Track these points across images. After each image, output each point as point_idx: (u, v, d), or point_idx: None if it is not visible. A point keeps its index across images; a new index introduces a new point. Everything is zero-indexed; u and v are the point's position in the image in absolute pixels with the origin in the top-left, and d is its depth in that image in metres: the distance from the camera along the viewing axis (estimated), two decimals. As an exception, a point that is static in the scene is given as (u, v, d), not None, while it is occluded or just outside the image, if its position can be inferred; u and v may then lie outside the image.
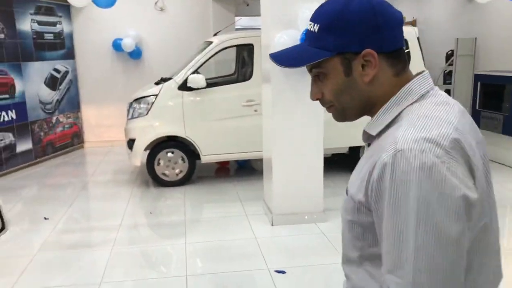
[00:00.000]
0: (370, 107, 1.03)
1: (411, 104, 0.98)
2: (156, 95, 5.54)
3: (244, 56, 6.22)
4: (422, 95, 0.99)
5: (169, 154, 5.60)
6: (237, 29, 8.20)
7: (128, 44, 7.69)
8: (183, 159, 5.63)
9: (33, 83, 6.92)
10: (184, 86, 5.49)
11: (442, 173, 0.84)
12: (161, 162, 5.60)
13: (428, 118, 0.92)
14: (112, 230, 4.34)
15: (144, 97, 5.61)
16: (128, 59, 8.03)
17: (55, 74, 7.45)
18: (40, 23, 7.14)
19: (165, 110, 5.53)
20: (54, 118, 7.43)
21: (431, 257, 0.83)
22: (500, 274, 1.06)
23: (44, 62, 7.19)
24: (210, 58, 5.63)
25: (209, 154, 5.62)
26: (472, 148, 0.91)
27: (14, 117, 6.54)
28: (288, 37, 3.99)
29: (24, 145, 6.72)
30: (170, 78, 5.66)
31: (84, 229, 4.52)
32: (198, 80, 5.43)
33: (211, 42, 5.76)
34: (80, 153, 7.87)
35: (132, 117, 5.65)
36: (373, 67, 0.98)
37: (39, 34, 7.11)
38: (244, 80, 5.83)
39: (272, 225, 4.33)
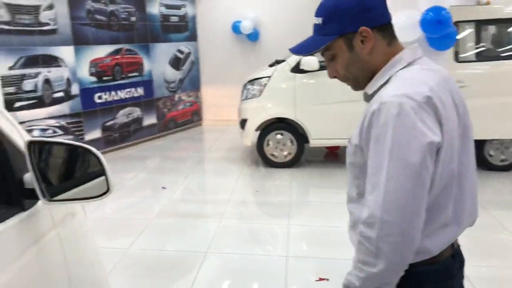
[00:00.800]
0: (373, 73, 1.28)
1: (400, 69, 1.24)
2: (269, 77, 5.64)
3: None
4: (409, 63, 1.25)
5: (278, 136, 5.70)
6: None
7: (246, 26, 7.90)
8: (291, 142, 5.69)
9: (159, 63, 7.48)
10: (297, 69, 5.51)
11: (413, 120, 1.10)
12: (270, 143, 5.72)
13: (409, 79, 1.19)
14: (222, 204, 4.57)
15: (257, 78, 5.75)
16: (246, 41, 8.27)
17: (178, 55, 7.96)
18: (167, 6, 7.65)
19: (277, 92, 5.61)
20: (177, 96, 7.98)
21: (398, 182, 1.09)
22: (476, 213, 1.35)
23: (169, 44, 7.71)
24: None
25: (318, 138, 5.60)
26: (444, 105, 1.17)
27: (142, 93, 7.15)
28: (407, 18, 3.79)
29: (149, 120, 7.34)
30: (284, 60, 5.72)
31: (196, 200, 4.83)
32: (311, 62, 5.41)
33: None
34: (199, 130, 8.35)
35: (246, 98, 5.83)
36: (369, 40, 1.24)
37: (166, 17, 7.63)
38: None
39: (378, 214, 4.20)
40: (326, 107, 5.49)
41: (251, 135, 5.73)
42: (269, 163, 5.79)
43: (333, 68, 1.32)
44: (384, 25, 1.26)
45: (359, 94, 4.97)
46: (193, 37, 8.30)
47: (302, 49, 1.34)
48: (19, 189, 1.37)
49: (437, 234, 1.22)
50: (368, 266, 1.14)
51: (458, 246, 1.37)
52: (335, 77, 1.34)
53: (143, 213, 4.40)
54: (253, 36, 8.16)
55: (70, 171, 1.53)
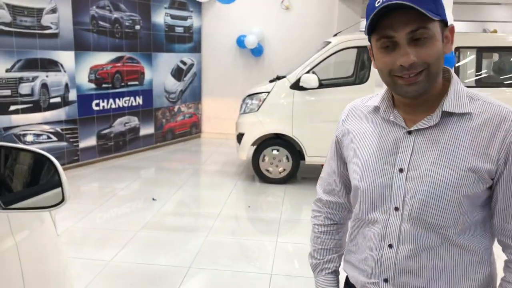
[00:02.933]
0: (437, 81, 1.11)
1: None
2: (268, 92, 5.59)
3: (363, 58, 6.00)
4: None
5: (275, 152, 5.63)
6: (362, 31, 7.96)
7: (250, 41, 7.89)
8: (287, 158, 5.62)
9: (160, 73, 7.46)
10: (296, 85, 5.47)
11: None
12: (266, 158, 5.65)
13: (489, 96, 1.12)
14: (210, 218, 4.49)
15: (256, 93, 5.71)
16: (250, 56, 8.25)
17: (181, 65, 7.94)
18: (172, 16, 7.66)
19: (275, 107, 5.56)
20: (176, 107, 7.94)
21: None
22: None
23: (172, 54, 7.70)
24: (326, 58, 5.53)
25: (314, 156, 5.53)
26: None
27: (141, 102, 7.11)
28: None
29: (147, 130, 7.29)
30: (284, 77, 5.68)
31: (185, 213, 4.74)
32: (310, 80, 5.37)
33: (329, 43, 5.65)
34: (197, 142, 8.30)
35: (244, 112, 5.78)
36: (451, 42, 1.08)
37: (171, 27, 7.63)
38: (360, 83, 5.64)
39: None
40: (323, 125, 5.43)
41: (247, 150, 5.66)
42: (264, 179, 5.71)
43: (418, 52, 1.03)
44: None
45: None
46: (197, 49, 8.29)
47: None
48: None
49: None
50: None
51: None
52: (402, 66, 1.04)
53: (130, 224, 4.31)
54: (257, 51, 8.14)
55: (31, 179, 1.47)
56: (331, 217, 1.42)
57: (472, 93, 1.11)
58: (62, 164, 5.44)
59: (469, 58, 5.28)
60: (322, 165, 5.65)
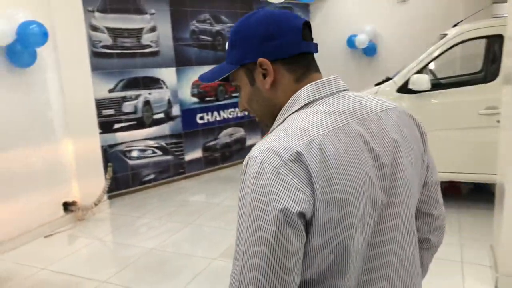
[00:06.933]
0: (277, 112, 1.06)
1: (294, 112, 1.01)
2: (371, 98, 4.92)
3: (491, 50, 4.97)
4: (306, 104, 1.01)
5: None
6: (495, 17, 6.73)
7: (361, 40, 7.20)
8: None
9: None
10: (404, 88, 4.71)
11: (271, 182, 0.88)
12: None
13: (289, 129, 0.95)
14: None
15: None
16: (362, 56, 7.55)
17: (288, 72, 7.58)
18: (278, 22, 7.33)
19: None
20: (285, 115, 7.59)
21: (253, 255, 0.89)
22: None
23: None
24: (441, 54, 4.66)
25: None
26: (335, 160, 0.90)
27: (247, 113, 6.91)
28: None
29: (254, 140, 7.09)
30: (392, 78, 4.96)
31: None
32: (421, 81, 4.57)
33: (446, 35, 4.77)
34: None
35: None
36: (270, 74, 1.03)
37: (276, 34, 7.32)
38: (486, 81, 4.63)
39: (496, 288, 3.13)
40: (440, 133, 4.58)
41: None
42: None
43: (240, 100, 1.14)
44: (291, 57, 1.03)
45: (486, 120, 3.91)
46: (306, 53, 7.84)
47: (208, 77, 1.14)
48: None
49: None
50: None
51: None
52: (245, 110, 1.15)
53: (208, 250, 4.01)
54: (370, 51, 7.40)
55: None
56: None
57: (282, 124, 1.00)
58: (168, 177, 5.45)
59: None
60: (449, 182, 4.52)
